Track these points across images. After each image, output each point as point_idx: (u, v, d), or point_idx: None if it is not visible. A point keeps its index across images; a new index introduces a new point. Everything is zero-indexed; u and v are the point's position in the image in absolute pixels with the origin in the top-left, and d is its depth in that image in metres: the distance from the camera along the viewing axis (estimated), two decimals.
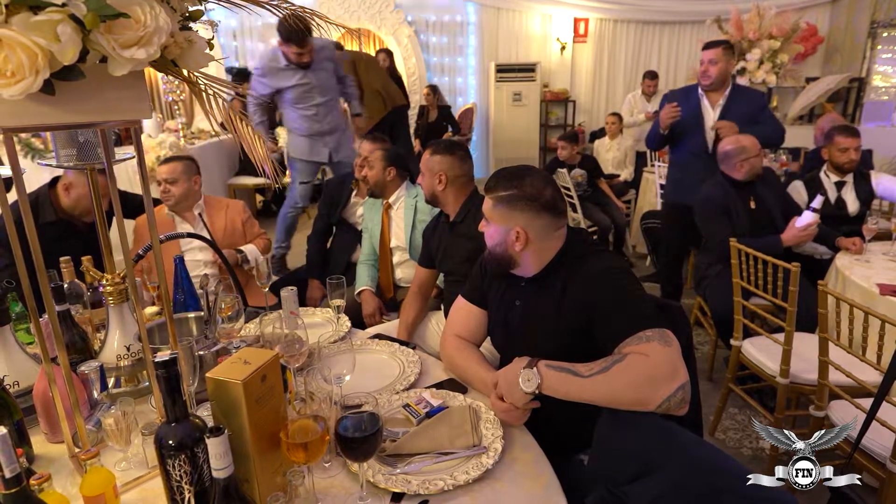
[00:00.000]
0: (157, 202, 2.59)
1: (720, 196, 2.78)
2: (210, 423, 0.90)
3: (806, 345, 2.19)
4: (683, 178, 3.31)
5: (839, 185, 3.04)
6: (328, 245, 3.04)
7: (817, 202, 2.60)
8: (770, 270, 2.21)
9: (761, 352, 2.30)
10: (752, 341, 2.39)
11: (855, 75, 6.55)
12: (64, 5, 0.76)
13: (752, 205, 2.77)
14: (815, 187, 3.04)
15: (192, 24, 1.00)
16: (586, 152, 6.16)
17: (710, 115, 3.15)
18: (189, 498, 0.87)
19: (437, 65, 7.63)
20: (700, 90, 3.17)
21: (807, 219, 2.60)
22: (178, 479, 0.86)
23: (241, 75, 5.65)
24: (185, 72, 0.99)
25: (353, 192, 2.91)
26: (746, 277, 2.35)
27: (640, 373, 1.08)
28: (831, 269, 2.63)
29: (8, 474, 0.74)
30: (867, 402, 1.64)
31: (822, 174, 3.07)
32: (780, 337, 2.12)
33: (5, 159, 1.07)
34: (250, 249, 2.59)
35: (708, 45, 3.08)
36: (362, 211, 2.87)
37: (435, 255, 2.12)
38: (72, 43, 0.77)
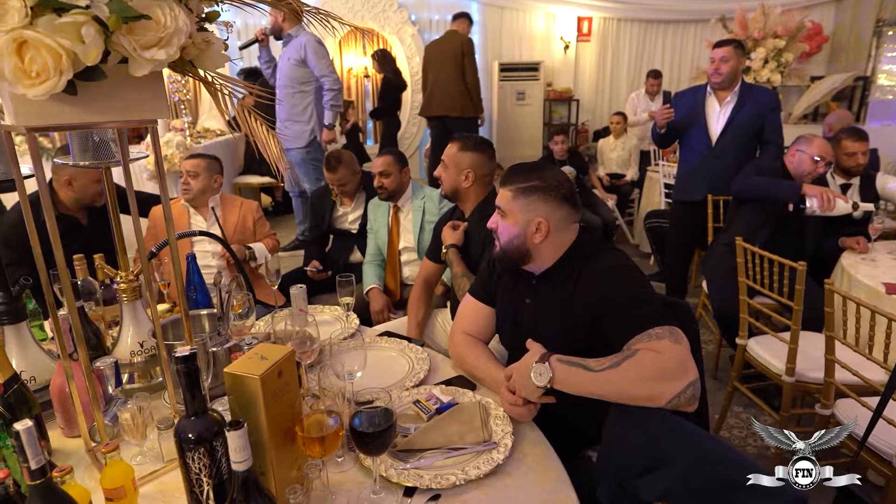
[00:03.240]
0: (158, 199, 2.65)
1: (769, 172, 2.76)
2: (227, 418, 0.92)
3: (811, 343, 2.20)
4: (689, 176, 3.33)
5: (844, 188, 3.02)
6: (325, 249, 3.19)
7: (866, 206, 2.60)
8: (776, 269, 2.22)
9: (767, 350, 2.31)
10: (757, 340, 2.40)
11: (860, 74, 6.53)
12: (88, 7, 0.78)
13: (790, 207, 2.73)
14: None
15: (207, 26, 1.02)
16: (590, 151, 6.18)
17: (717, 112, 3.16)
18: (208, 490, 0.88)
19: None
20: (708, 89, 3.18)
21: (840, 204, 2.56)
22: (198, 471, 0.87)
23: (252, 75, 5.65)
24: (201, 72, 1.01)
25: (336, 203, 3.05)
26: (752, 276, 2.36)
27: (651, 369, 1.09)
28: (837, 268, 2.64)
29: (34, 466, 0.75)
30: (874, 401, 1.65)
31: (827, 175, 3.06)
32: (786, 336, 2.12)
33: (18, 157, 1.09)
34: (259, 248, 2.67)
35: (719, 44, 3.09)
36: (353, 217, 3.02)
37: None
38: (95, 44, 0.79)
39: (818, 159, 2.67)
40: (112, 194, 1.24)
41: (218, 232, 2.57)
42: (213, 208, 2.63)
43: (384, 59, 6.22)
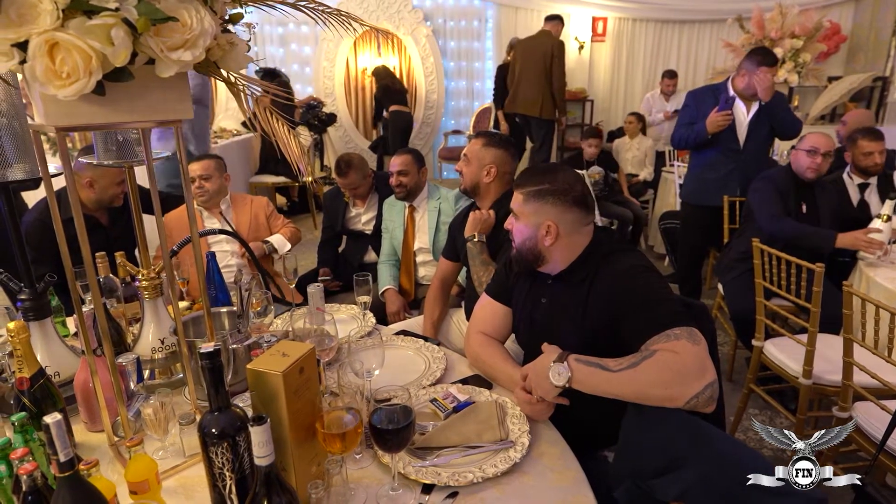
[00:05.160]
0: (178, 200, 2.66)
1: (782, 181, 2.77)
2: (248, 414, 0.93)
3: (829, 346, 2.18)
4: (708, 178, 3.33)
5: (862, 188, 2.99)
6: (339, 250, 3.24)
7: (888, 207, 2.53)
8: (793, 271, 2.20)
9: (783, 352, 2.29)
10: (773, 342, 2.38)
11: (879, 74, 6.44)
12: (117, 10, 0.79)
13: (804, 209, 2.74)
14: (838, 189, 3.00)
15: (230, 27, 1.03)
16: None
17: (744, 117, 3.21)
18: (230, 485, 0.90)
19: (454, 62, 7.65)
20: (731, 93, 3.20)
21: (878, 235, 2.50)
22: (221, 466, 0.89)
23: (269, 75, 5.71)
24: (224, 72, 1.02)
25: (349, 204, 3.08)
26: (769, 278, 2.34)
27: (670, 369, 1.09)
28: (856, 270, 2.61)
29: (63, 458, 0.77)
30: (893, 404, 1.63)
31: (845, 175, 3.03)
32: (803, 338, 2.10)
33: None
34: (276, 239, 2.67)
35: (770, 62, 3.07)
36: (367, 218, 3.04)
37: (461, 249, 2.13)
38: (124, 46, 0.80)
39: (810, 149, 2.69)
40: (135, 193, 1.26)
41: None
42: (221, 212, 2.63)
43: (380, 72, 6.87)
